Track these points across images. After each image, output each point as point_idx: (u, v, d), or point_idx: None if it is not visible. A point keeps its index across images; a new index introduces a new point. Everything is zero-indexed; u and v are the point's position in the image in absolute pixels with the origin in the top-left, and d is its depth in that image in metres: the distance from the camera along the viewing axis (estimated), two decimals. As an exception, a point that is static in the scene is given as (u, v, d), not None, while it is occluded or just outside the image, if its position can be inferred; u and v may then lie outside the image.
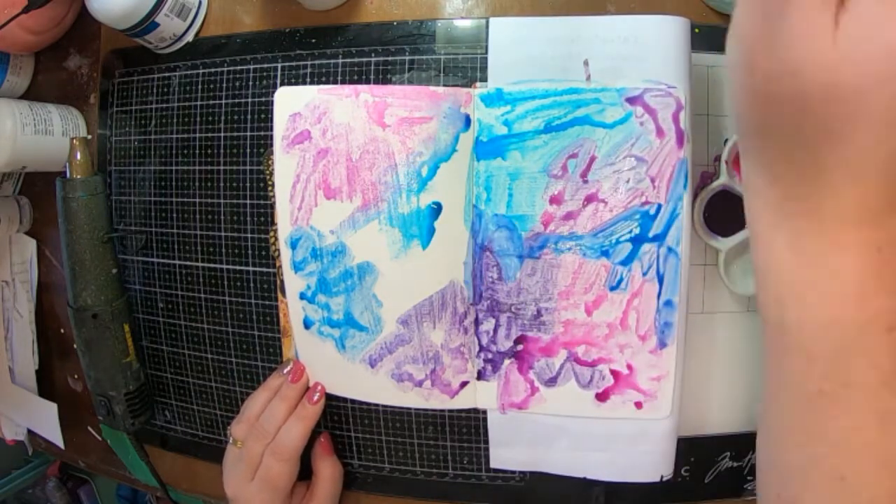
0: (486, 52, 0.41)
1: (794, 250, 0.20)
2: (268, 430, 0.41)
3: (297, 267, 0.42)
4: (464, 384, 0.41)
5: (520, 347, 0.40)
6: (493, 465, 0.43)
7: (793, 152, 0.20)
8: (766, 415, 0.22)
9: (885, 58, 0.17)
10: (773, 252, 0.21)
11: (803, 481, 0.20)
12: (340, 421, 0.45)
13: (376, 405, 0.44)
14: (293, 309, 0.43)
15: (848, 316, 0.19)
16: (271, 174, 0.44)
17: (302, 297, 0.42)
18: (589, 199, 0.38)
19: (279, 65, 0.44)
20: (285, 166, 0.41)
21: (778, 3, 0.18)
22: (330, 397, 0.43)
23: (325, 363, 0.43)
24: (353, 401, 0.44)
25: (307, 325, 0.42)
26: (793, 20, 0.18)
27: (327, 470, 0.43)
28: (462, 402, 0.42)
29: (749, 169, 0.22)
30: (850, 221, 0.19)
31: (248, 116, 0.45)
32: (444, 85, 0.41)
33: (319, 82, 0.43)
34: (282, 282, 0.43)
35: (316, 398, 0.42)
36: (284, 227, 0.42)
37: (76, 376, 0.54)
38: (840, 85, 0.18)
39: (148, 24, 0.42)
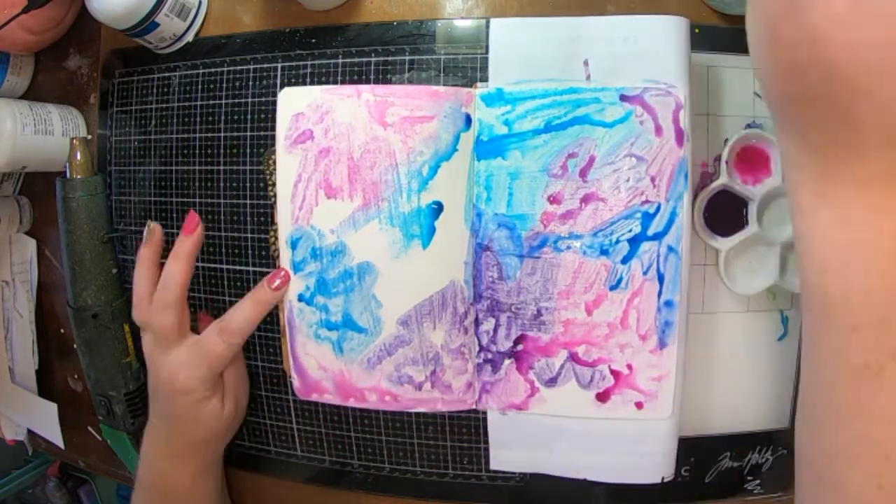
0: (487, 52, 0.41)
1: (838, 218, 0.20)
2: (171, 298, 0.39)
3: (296, 267, 0.42)
4: (466, 385, 0.41)
5: (520, 347, 0.40)
6: (493, 466, 0.43)
7: (827, 118, 0.19)
8: (806, 395, 0.21)
9: None
10: (817, 221, 0.20)
11: (847, 460, 0.19)
12: (340, 421, 0.45)
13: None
14: (289, 310, 0.43)
15: (894, 282, 0.18)
16: (271, 174, 0.44)
17: (300, 298, 0.42)
18: (589, 199, 0.38)
19: (279, 65, 0.44)
20: (287, 166, 0.41)
21: None
22: (330, 397, 0.43)
23: (323, 367, 0.42)
24: (353, 401, 0.44)
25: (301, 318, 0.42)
26: None
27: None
28: (461, 403, 0.42)
29: (785, 141, 0.22)
30: (893, 183, 0.19)
31: (248, 116, 0.45)
32: (445, 85, 0.41)
33: (319, 82, 0.43)
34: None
35: (277, 284, 0.40)
36: (285, 226, 0.42)
37: (76, 376, 0.54)
38: (863, 42, 0.17)
39: (148, 24, 0.42)
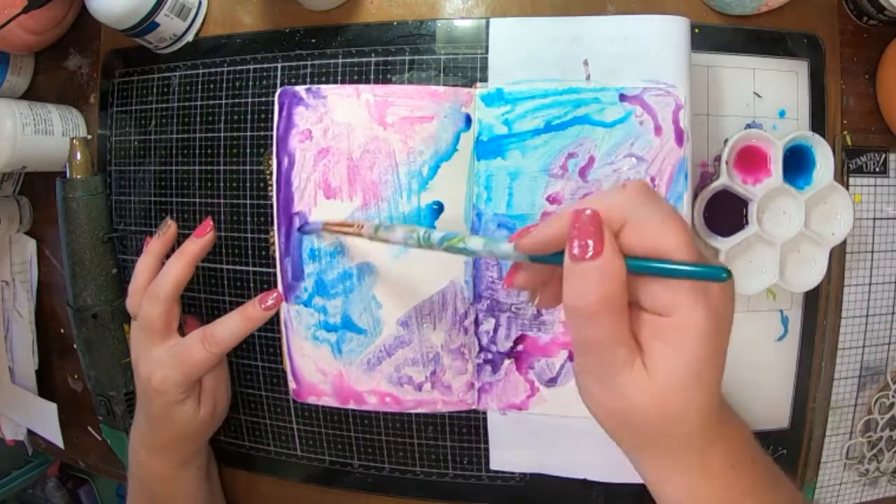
0: (487, 52, 0.41)
1: (671, 482, 0.26)
2: (162, 293, 0.38)
3: (296, 273, 0.42)
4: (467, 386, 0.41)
5: (520, 347, 0.40)
6: (493, 466, 0.43)
7: (635, 439, 0.27)
8: None
9: (678, 385, 0.23)
10: (662, 483, 0.27)
11: None
12: (340, 421, 0.45)
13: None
14: (286, 312, 0.43)
15: (719, 497, 0.26)
16: (271, 174, 0.44)
17: (297, 300, 0.42)
18: (589, 199, 0.38)
19: (279, 65, 0.44)
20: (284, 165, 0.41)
21: (604, 370, 0.24)
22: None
23: (321, 370, 0.42)
24: (353, 401, 0.44)
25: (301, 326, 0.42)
26: (618, 375, 0.24)
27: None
28: (462, 403, 0.42)
29: (613, 438, 0.28)
30: (683, 464, 0.26)
31: (248, 116, 0.45)
32: (445, 85, 0.41)
33: (319, 82, 0.43)
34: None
35: (268, 304, 0.39)
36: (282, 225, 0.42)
37: (76, 376, 0.54)
38: (654, 404, 0.24)
39: (148, 24, 0.42)
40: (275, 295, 0.40)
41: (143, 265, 0.41)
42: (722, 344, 0.24)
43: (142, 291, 0.40)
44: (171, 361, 0.39)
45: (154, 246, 0.41)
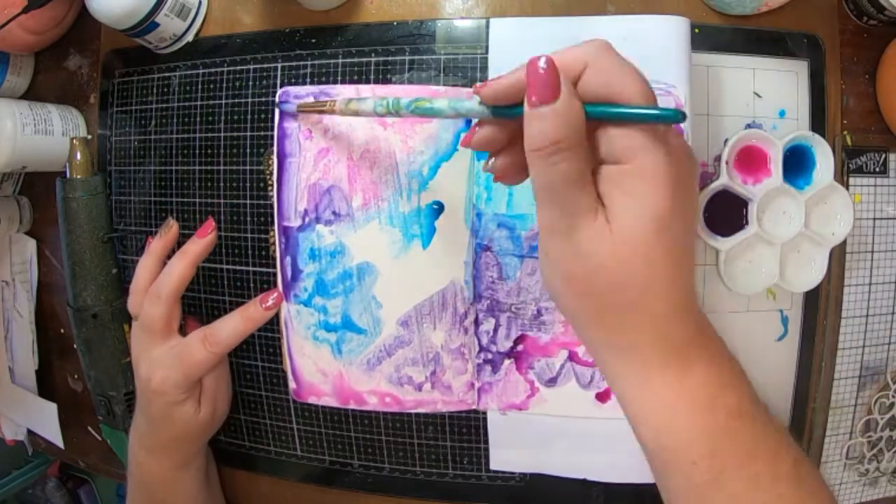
0: (487, 52, 0.41)
1: (654, 393, 0.26)
2: (163, 293, 0.39)
3: (294, 272, 0.42)
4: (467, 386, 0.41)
5: (520, 347, 0.40)
6: (493, 466, 0.43)
7: (602, 318, 0.26)
8: None
9: (639, 239, 0.23)
10: (641, 400, 0.26)
11: None
12: (340, 421, 0.45)
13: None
14: (286, 311, 0.43)
15: (709, 424, 0.25)
16: (271, 174, 0.44)
17: (297, 300, 0.42)
18: (589, 199, 0.38)
19: (279, 65, 0.44)
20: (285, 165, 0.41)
21: (566, 223, 0.24)
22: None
23: (321, 370, 0.42)
24: (353, 401, 0.44)
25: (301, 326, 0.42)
26: (580, 229, 0.24)
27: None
28: (462, 403, 0.42)
29: (582, 334, 0.27)
30: (680, 362, 0.26)
31: (248, 116, 0.45)
32: (445, 85, 0.41)
33: (319, 82, 0.43)
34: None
35: (269, 304, 0.40)
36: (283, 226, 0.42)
37: (76, 376, 0.54)
38: (616, 260, 0.24)
39: (148, 24, 0.42)
40: (275, 295, 0.40)
41: (145, 265, 0.41)
42: (684, 198, 0.24)
43: (143, 292, 0.40)
44: (172, 362, 0.39)
45: (156, 246, 0.41)
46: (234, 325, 0.39)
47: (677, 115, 0.22)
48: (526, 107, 0.23)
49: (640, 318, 0.25)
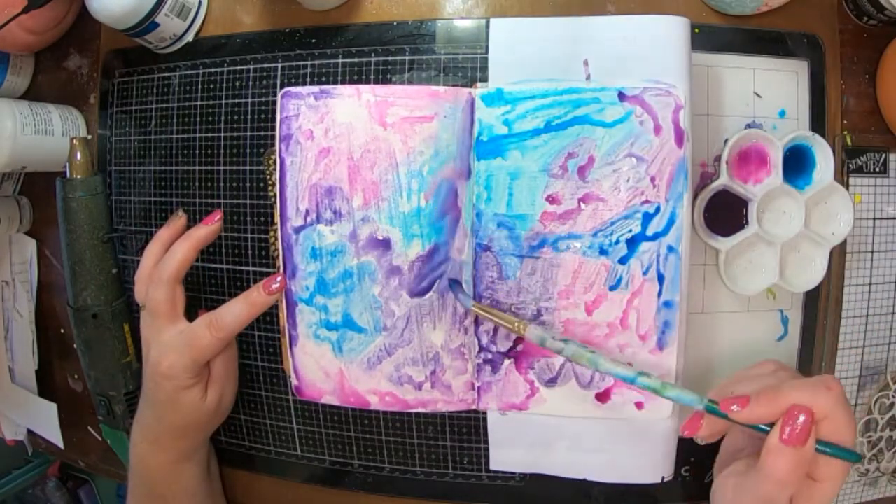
0: (487, 52, 0.41)
1: None
2: (165, 274, 0.39)
3: (295, 269, 0.42)
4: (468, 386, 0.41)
5: (520, 347, 0.40)
6: (492, 466, 0.43)
7: None
8: None
9: None
10: None
11: None
12: (340, 421, 0.45)
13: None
14: (288, 310, 0.43)
15: None
16: (271, 174, 0.44)
17: (299, 299, 0.42)
18: (588, 199, 0.38)
19: (279, 65, 0.44)
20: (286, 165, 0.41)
21: None
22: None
23: (322, 368, 0.42)
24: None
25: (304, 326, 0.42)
26: None
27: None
28: (461, 403, 0.42)
29: None
30: None
31: (248, 116, 0.45)
32: (445, 85, 0.41)
33: (319, 82, 0.43)
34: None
35: (273, 288, 0.40)
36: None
37: (76, 376, 0.54)
38: None
39: (148, 24, 0.42)
40: (279, 279, 0.40)
41: (151, 252, 0.42)
42: None
43: (146, 277, 0.41)
44: (179, 346, 0.39)
45: (162, 234, 0.42)
46: (238, 311, 0.39)
47: (859, 459, 0.29)
48: (775, 439, 0.29)
49: None
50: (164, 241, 0.42)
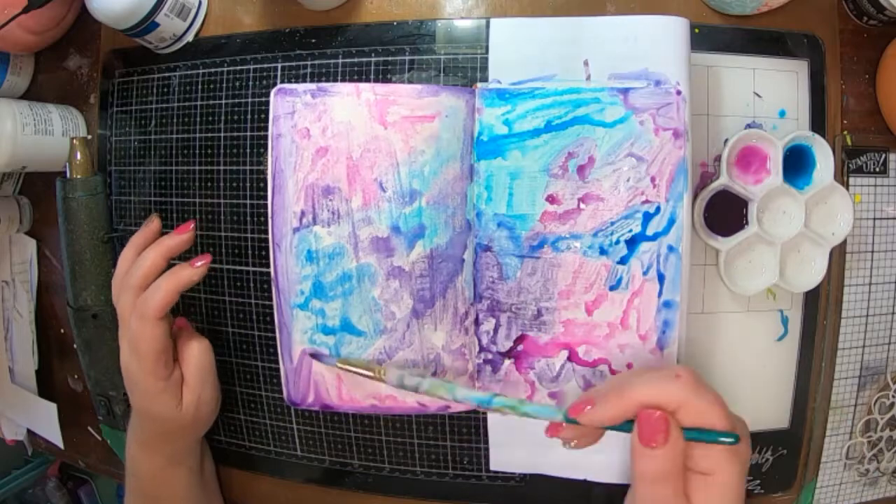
0: (487, 52, 0.41)
1: None
2: (132, 281, 0.38)
3: (290, 272, 0.42)
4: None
5: (520, 347, 0.40)
6: (492, 467, 0.43)
7: None
8: None
9: None
10: None
11: None
12: (340, 421, 0.45)
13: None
14: (280, 316, 0.42)
15: None
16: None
17: (293, 304, 0.41)
18: (589, 199, 0.38)
19: (279, 65, 0.44)
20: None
21: None
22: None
23: (317, 374, 0.42)
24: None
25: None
26: None
27: (193, 343, 0.41)
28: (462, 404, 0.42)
29: None
30: None
31: (248, 116, 0.45)
32: (445, 84, 0.41)
33: (319, 82, 0.43)
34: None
35: (199, 264, 0.39)
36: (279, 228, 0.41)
37: (76, 376, 0.54)
38: None
39: (148, 24, 0.42)
40: (206, 258, 0.39)
41: (123, 256, 0.41)
42: (744, 488, 0.30)
43: (121, 277, 0.40)
44: (128, 350, 0.39)
45: (135, 239, 0.41)
46: (161, 285, 0.38)
47: (737, 440, 0.28)
48: (637, 443, 0.28)
49: None
50: (137, 245, 0.41)
